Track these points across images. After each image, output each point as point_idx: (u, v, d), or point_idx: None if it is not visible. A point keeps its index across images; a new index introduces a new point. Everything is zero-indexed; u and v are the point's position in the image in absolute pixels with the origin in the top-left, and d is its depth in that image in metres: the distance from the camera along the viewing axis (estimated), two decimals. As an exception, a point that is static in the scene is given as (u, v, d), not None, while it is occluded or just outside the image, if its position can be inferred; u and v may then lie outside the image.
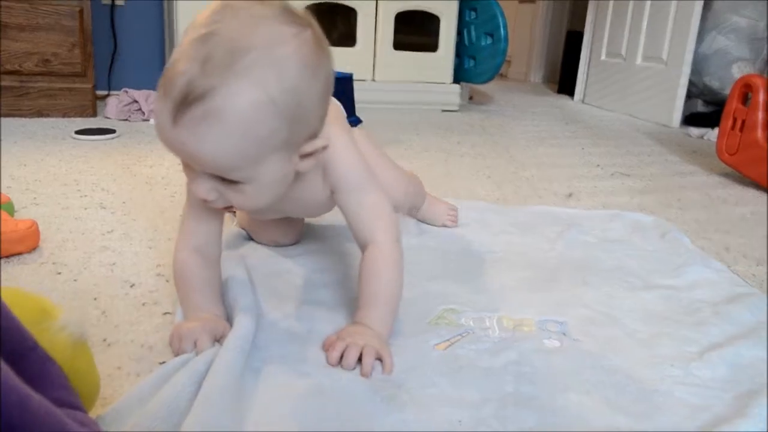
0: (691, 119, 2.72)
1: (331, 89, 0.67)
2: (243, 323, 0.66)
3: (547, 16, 4.56)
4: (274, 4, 0.61)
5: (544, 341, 0.73)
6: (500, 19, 2.61)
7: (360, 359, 0.64)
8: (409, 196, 1.04)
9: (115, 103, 2.23)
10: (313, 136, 0.66)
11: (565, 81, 3.79)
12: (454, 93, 2.87)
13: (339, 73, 2.12)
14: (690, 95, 2.76)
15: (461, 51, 2.89)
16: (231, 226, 1.03)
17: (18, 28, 2.10)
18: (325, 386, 0.60)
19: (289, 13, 0.61)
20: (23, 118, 2.12)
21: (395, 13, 2.70)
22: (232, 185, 0.63)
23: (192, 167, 0.63)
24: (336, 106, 0.90)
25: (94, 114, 2.23)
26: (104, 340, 0.70)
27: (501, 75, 5.27)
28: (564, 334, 0.75)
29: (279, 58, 0.58)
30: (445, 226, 1.13)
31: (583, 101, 3.47)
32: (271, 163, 0.62)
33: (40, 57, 2.15)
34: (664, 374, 0.67)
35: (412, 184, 1.05)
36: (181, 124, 0.57)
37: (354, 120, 2.11)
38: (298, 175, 0.70)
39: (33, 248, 0.94)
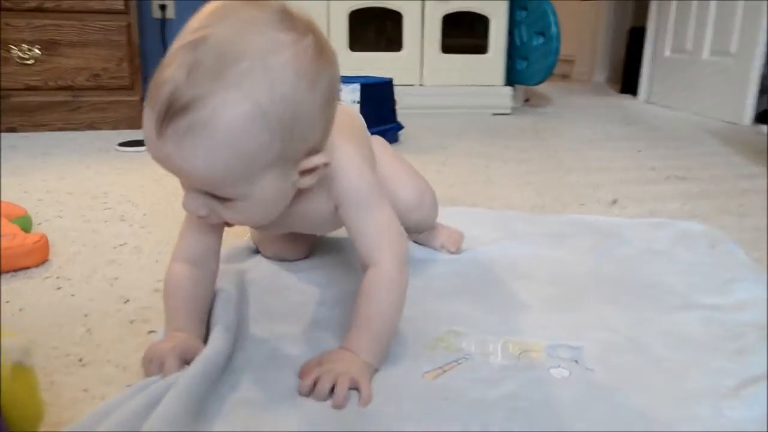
0: (763, 116, 2.52)
1: (335, 100, 0.62)
2: (214, 345, 0.62)
3: (610, 13, 4.36)
4: (273, 5, 0.57)
5: (551, 370, 0.65)
6: (551, 17, 2.50)
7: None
8: (425, 206, 0.94)
9: (162, 114, 2.26)
10: (314, 151, 0.61)
11: (628, 80, 3.61)
12: (505, 95, 2.77)
13: (378, 78, 2.08)
14: (763, 91, 2.55)
15: (512, 52, 2.79)
16: (244, 238, 1.00)
17: (69, 45, 2.17)
18: (291, 421, 0.54)
19: (287, 18, 0.56)
20: (75, 132, 2.19)
21: (442, 15, 2.63)
22: (225, 202, 0.59)
23: (184, 183, 0.60)
24: (349, 115, 0.85)
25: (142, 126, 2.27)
26: (80, 360, 0.67)
27: (564, 76, 5.11)
28: (576, 361, 0.66)
29: (272, 68, 0.54)
30: (444, 248, 1.00)
31: (647, 101, 3.28)
32: (266, 179, 0.58)
33: (90, 72, 2.21)
34: (689, 414, 0.58)
35: (432, 194, 0.96)
36: (165, 136, 0.53)
37: (395, 127, 2.06)
38: (300, 191, 0.66)
39: (42, 262, 0.94)
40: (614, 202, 1.34)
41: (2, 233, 0.90)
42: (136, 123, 2.25)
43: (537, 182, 1.53)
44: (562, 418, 0.56)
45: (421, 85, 2.71)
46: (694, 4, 2.86)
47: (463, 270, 0.93)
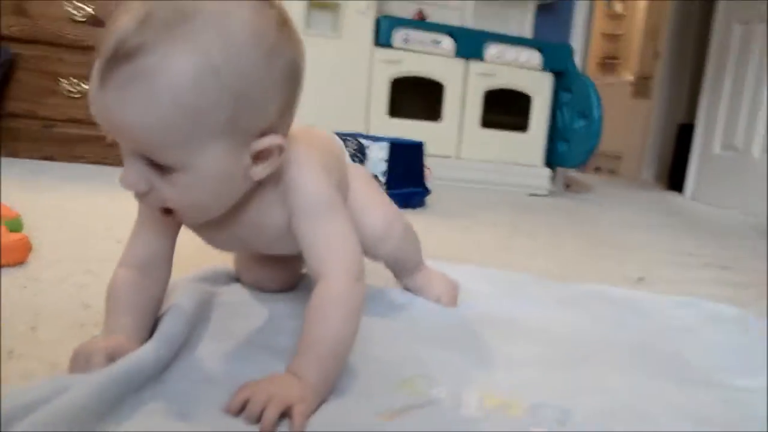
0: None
1: (297, 84, 0.58)
2: (145, 348, 0.55)
3: (660, 109, 4.31)
4: None
5: (530, 428, 0.55)
6: (594, 99, 2.47)
7: None
8: (394, 236, 0.84)
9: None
10: (267, 132, 0.56)
11: (675, 177, 3.51)
12: (544, 176, 2.71)
13: (409, 140, 2.05)
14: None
15: (554, 133, 2.75)
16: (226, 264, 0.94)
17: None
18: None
19: None
20: (109, 167, 2.21)
21: (485, 91, 2.63)
22: (166, 174, 0.53)
23: (123, 150, 0.54)
24: (326, 138, 0.80)
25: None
26: (10, 352, 0.61)
27: (611, 171, 5.03)
28: (563, 424, 0.56)
29: (229, 28, 0.51)
30: (439, 301, 0.89)
31: (693, 197, 3.17)
32: (212, 151, 0.53)
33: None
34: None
35: (404, 225, 0.88)
36: (108, 85, 0.49)
37: (421, 191, 2.01)
38: (253, 198, 0.61)
39: (19, 262, 0.89)
40: (640, 279, 1.24)
41: (-20, 228, 0.87)
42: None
43: (561, 255, 1.44)
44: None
45: (458, 158, 2.68)
46: (745, 100, 2.79)
47: (452, 319, 0.84)
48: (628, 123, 4.70)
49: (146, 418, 0.48)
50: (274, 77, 0.54)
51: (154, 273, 0.65)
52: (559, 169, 3.00)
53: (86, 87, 2.20)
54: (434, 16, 2.78)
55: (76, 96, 2.21)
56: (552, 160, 2.76)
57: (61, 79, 2.19)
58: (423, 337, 0.75)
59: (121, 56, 0.48)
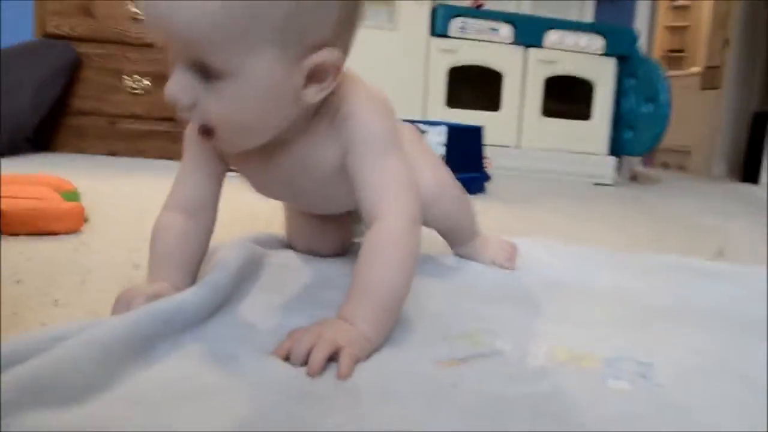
0: None
1: (355, 6, 0.54)
2: (186, 292, 0.52)
3: (732, 99, 4.09)
4: None
5: (607, 380, 0.49)
6: (661, 82, 2.35)
7: None
8: (445, 200, 0.80)
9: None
10: (321, 46, 0.52)
11: (750, 169, 3.32)
12: (608, 165, 2.60)
13: (468, 125, 2.00)
14: None
15: (619, 120, 2.64)
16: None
17: (177, 78, 2.27)
18: (236, 377, 0.43)
19: None
20: (171, 160, 2.25)
21: (545, 78, 2.55)
22: (212, 84, 0.50)
23: (173, 58, 0.51)
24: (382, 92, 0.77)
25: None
26: (55, 301, 0.60)
27: (680, 167, 4.81)
28: (644, 377, 0.50)
29: None
30: (495, 264, 0.84)
31: (771, 188, 2.98)
32: (262, 57, 0.49)
33: (192, 105, 2.29)
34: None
35: (456, 189, 0.82)
36: None
37: (481, 176, 1.95)
38: (303, 127, 0.58)
39: (73, 230, 0.89)
40: (720, 253, 1.14)
41: (39, 197, 0.87)
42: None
43: (631, 234, 1.36)
44: (615, 426, 0.41)
45: (517, 147, 2.60)
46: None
47: (511, 280, 0.78)
48: (697, 116, 4.49)
49: (180, 361, 0.45)
50: None
51: (200, 218, 0.63)
52: (625, 159, 2.87)
53: (148, 83, 2.25)
54: (491, 4, 2.72)
55: (138, 92, 2.26)
56: (617, 148, 2.64)
57: (124, 77, 2.25)
58: (481, 295, 0.70)
59: None
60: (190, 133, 0.63)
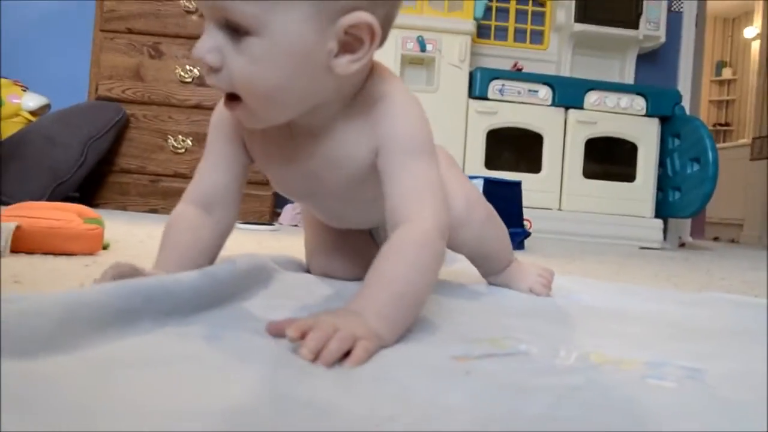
0: None
1: None
2: (175, 276, 0.48)
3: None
4: None
5: (646, 379, 0.42)
6: (707, 141, 2.27)
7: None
8: (474, 223, 0.74)
9: (289, 209, 2.29)
10: (357, 9, 0.49)
11: (809, 237, 3.15)
12: (654, 228, 2.50)
13: (506, 179, 1.96)
14: None
15: (664, 183, 2.55)
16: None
17: (218, 138, 2.32)
18: (216, 350, 0.38)
19: None
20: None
21: (585, 139, 2.51)
22: (239, 43, 0.48)
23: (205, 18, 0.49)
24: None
25: (271, 221, 2.31)
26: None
27: (731, 240, 4.63)
28: (692, 378, 0.43)
29: None
30: (532, 292, 0.78)
31: (834, 257, 2.80)
32: (292, 13, 0.47)
33: (231, 163, 2.32)
34: None
35: (488, 211, 0.78)
36: None
37: (520, 232, 1.89)
38: (336, 116, 0.56)
39: (90, 252, 0.88)
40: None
41: (59, 218, 0.86)
42: (264, 216, 2.29)
43: (678, 282, 1.27)
44: (657, 417, 0.34)
45: (559, 209, 2.53)
46: None
47: (547, 303, 0.72)
48: (748, 188, 4.35)
49: (158, 337, 0.40)
50: None
51: (217, 211, 0.60)
52: (673, 224, 2.77)
53: (190, 143, 2.30)
54: (531, 67, 2.73)
55: (181, 152, 2.31)
56: (663, 210, 2.54)
57: (169, 136, 2.31)
58: (510, 312, 0.64)
59: None
60: (216, 120, 0.63)
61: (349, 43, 0.50)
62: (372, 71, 0.57)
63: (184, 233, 0.58)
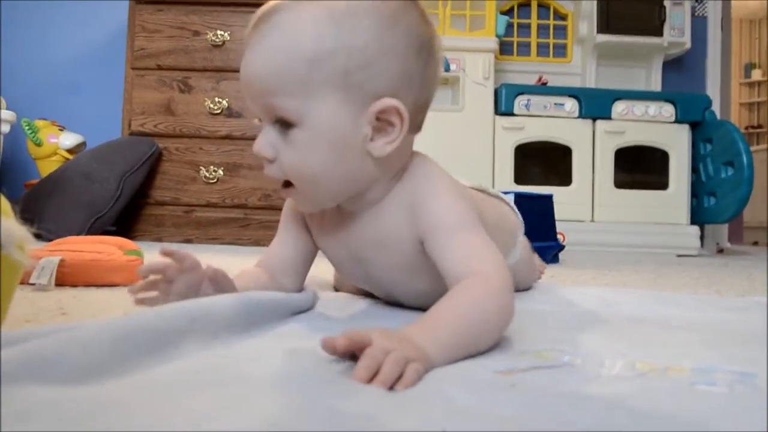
0: None
1: (425, 58, 0.57)
2: (215, 298, 0.49)
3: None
4: None
5: (695, 385, 0.41)
6: (741, 144, 2.23)
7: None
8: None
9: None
10: (384, 96, 0.54)
11: None
12: (691, 235, 2.45)
13: (538, 193, 1.95)
14: None
15: (698, 189, 2.51)
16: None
17: (248, 168, 2.36)
18: (266, 370, 0.39)
19: None
20: (243, 247, 2.30)
21: (615, 149, 2.48)
22: (287, 135, 0.55)
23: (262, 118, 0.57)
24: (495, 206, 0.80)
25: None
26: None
27: (772, 244, 4.50)
28: (743, 383, 0.42)
29: None
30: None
31: None
32: (327, 102, 0.53)
33: (262, 192, 2.36)
34: None
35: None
36: (249, 45, 0.55)
37: (554, 245, 1.87)
38: (377, 202, 0.60)
39: (132, 282, 0.89)
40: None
41: (100, 251, 0.89)
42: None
43: (720, 288, 1.24)
44: (698, 425, 0.33)
45: (592, 221, 2.50)
46: None
47: (587, 314, 0.71)
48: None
49: (206, 359, 0.41)
50: (395, 41, 0.54)
51: (282, 280, 0.67)
52: (710, 230, 2.71)
53: (221, 173, 2.34)
54: (555, 81, 2.73)
55: (213, 182, 2.35)
56: (699, 217, 2.50)
57: (201, 167, 2.36)
58: (554, 326, 0.63)
59: (262, 17, 0.54)
60: (287, 205, 0.71)
61: (383, 128, 0.55)
62: (414, 156, 0.62)
63: (246, 280, 0.63)
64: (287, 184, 0.58)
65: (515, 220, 0.85)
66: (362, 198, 0.60)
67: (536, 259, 1.08)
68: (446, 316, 0.49)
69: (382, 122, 0.55)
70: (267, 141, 0.56)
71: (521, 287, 0.88)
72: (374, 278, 0.67)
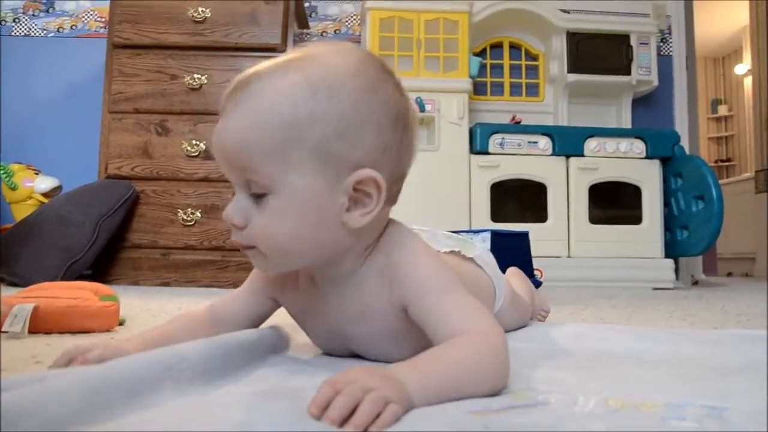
0: None
1: (401, 129, 0.57)
2: (188, 344, 0.49)
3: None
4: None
5: (666, 421, 0.42)
6: (710, 178, 2.29)
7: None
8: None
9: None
10: (362, 166, 0.54)
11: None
12: (666, 269, 2.49)
13: (513, 230, 1.97)
14: None
15: (671, 222, 2.56)
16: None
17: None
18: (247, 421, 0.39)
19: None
20: (220, 288, 2.28)
21: (588, 185, 2.53)
22: (260, 202, 0.53)
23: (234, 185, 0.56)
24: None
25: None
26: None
27: (745, 275, 4.59)
28: (714, 418, 0.43)
29: (333, 62, 0.55)
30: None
31: None
32: (304, 171, 0.52)
33: (241, 232, 2.35)
34: None
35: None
36: (224, 113, 0.55)
37: (533, 282, 1.88)
38: (353, 275, 0.59)
39: (109, 329, 0.89)
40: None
41: (76, 296, 0.88)
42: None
43: (695, 321, 1.26)
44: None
45: (568, 256, 2.53)
46: None
47: (560, 351, 0.72)
48: (757, 221, 4.34)
49: (182, 407, 0.41)
50: (372, 112, 0.54)
51: (221, 329, 0.64)
52: (684, 263, 2.76)
53: (199, 215, 2.33)
54: (528, 119, 2.79)
55: (190, 224, 2.34)
56: (673, 250, 2.54)
57: (178, 210, 2.35)
58: (528, 364, 0.64)
59: (239, 86, 0.54)
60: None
61: (360, 198, 0.55)
62: (388, 224, 0.61)
63: (180, 324, 0.64)
64: (250, 246, 0.56)
65: (490, 286, 0.83)
66: (336, 268, 0.59)
67: (537, 299, 1.08)
68: (440, 363, 0.48)
69: (358, 193, 0.54)
70: (238, 207, 0.55)
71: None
72: (355, 349, 0.65)
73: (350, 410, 0.39)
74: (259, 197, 0.53)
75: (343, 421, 0.39)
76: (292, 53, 0.56)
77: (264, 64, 0.55)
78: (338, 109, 0.53)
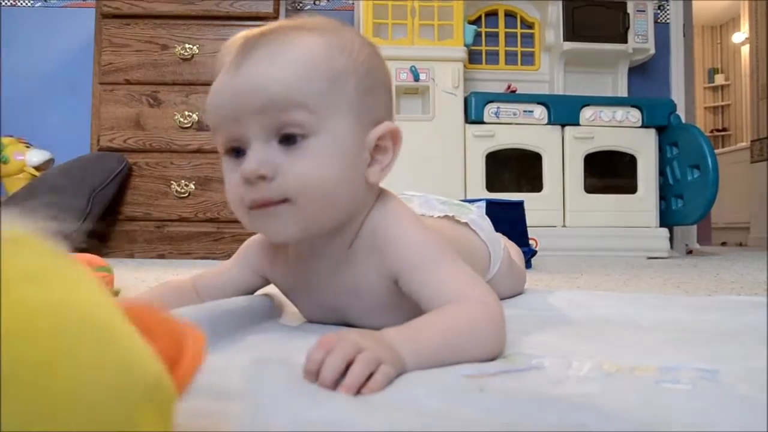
0: None
1: (391, 99, 0.61)
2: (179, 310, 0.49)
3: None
4: None
5: (660, 383, 0.42)
6: (706, 148, 2.28)
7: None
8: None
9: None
10: (380, 120, 0.57)
11: (818, 235, 3.13)
12: (660, 238, 2.50)
13: (508, 200, 1.97)
14: None
15: (666, 192, 2.56)
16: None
17: (219, 181, 2.34)
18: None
19: None
20: (215, 260, 2.28)
21: (584, 155, 2.52)
22: (295, 148, 0.51)
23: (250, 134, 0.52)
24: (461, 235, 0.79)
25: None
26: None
27: (740, 244, 4.61)
28: (707, 380, 0.43)
29: (341, 31, 0.57)
30: None
31: None
32: (343, 119, 0.53)
33: (235, 204, 2.34)
34: None
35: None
36: (248, 57, 0.52)
37: (527, 250, 1.89)
38: (346, 254, 0.58)
39: (101, 302, 0.88)
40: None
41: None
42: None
43: (688, 288, 1.26)
44: (659, 421, 0.34)
45: (563, 226, 2.54)
46: None
47: (557, 316, 0.72)
48: (752, 190, 4.35)
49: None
50: (385, 75, 0.59)
51: (207, 294, 0.65)
52: (679, 232, 2.77)
53: (193, 187, 2.32)
54: (524, 88, 2.76)
55: (184, 196, 2.33)
56: (668, 219, 2.55)
57: (172, 182, 2.33)
58: (523, 329, 0.64)
59: (259, 37, 0.53)
60: (248, 243, 0.68)
61: (377, 153, 0.56)
62: (379, 195, 0.60)
63: (164, 290, 0.66)
64: (280, 200, 0.52)
65: (484, 251, 0.82)
66: (335, 239, 0.58)
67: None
68: (434, 327, 0.48)
69: (378, 148, 0.56)
70: (264, 158, 0.51)
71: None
72: (349, 323, 0.64)
73: (342, 370, 0.39)
74: (291, 144, 0.51)
75: (337, 383, 0.38)
76: (290, 22, 0.57)
77: (272, 24, 0.55)
78: (364, 68, 0.55)
